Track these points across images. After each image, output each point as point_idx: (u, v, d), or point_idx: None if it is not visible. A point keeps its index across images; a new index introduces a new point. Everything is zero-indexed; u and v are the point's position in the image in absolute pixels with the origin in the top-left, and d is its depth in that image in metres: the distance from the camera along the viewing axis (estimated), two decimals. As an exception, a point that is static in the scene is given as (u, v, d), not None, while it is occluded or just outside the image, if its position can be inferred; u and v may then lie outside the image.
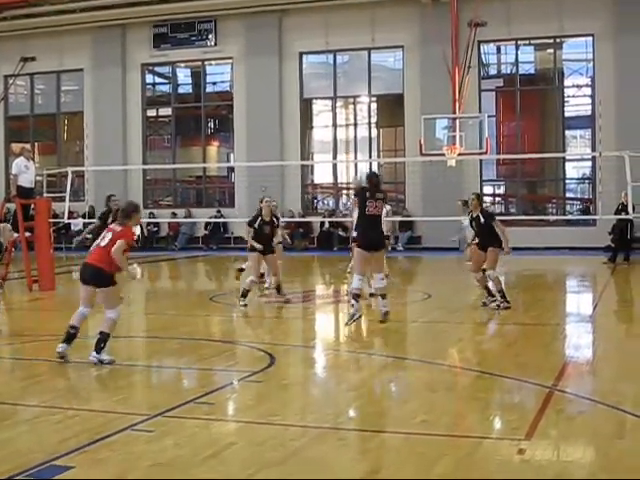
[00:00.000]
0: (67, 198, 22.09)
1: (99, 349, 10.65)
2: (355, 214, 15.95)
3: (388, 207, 20.22)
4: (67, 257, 28.26)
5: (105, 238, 10.78)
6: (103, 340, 10.70)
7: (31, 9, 35.18)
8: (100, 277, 10.77)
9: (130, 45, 36.47)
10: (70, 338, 10.84)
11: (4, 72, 38.44)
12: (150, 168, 36.89)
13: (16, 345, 12.83)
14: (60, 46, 36.98)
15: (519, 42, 32.51)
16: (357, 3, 32.40)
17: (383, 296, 13.39)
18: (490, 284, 15.56)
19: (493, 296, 15.40)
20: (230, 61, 35.64)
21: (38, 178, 21.28)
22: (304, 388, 9.80)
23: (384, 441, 7.35)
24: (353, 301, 13.25)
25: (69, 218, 23.90)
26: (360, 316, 13.35)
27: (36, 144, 38.66)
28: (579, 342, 12.75)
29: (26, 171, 20.12)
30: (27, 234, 20.26)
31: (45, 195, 21.93)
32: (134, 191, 35.43)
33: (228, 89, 36.71)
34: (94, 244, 11.28)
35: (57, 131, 39.22)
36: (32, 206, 20.65)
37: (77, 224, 33.78)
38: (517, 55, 32.88)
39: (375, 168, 34.62)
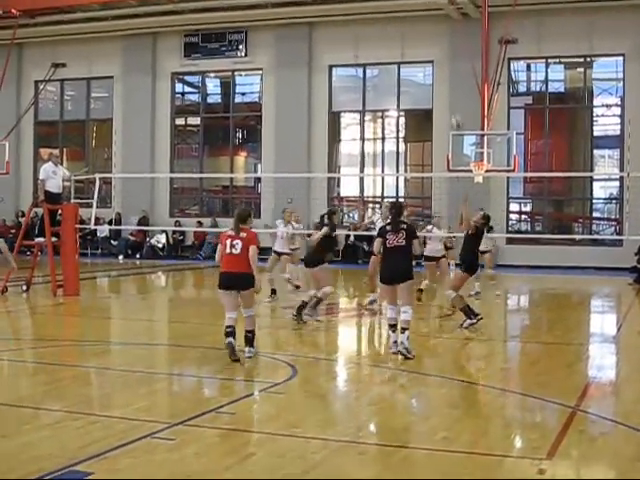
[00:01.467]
0: (94, 204, 22.17)
1: (252, 344, 11.80)
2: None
3: (429, 227, 20.29)
4: (92, 263, 28.35)
5: (236, 246, 11.65)
6: (253, 335, 11.83)
7: (62, 16, 35.35)
8: (247, 281, 11.71)
9: (160, 54, 36.62)
10: (231, 334, 11.68)
11: (35, 77, 38.65)
12: (177, 177, 37.03)
13: (39, 349, 12.89)
14: (91, 53, 37.18)
15: (549, 60, 32.42)
16: (387, 17, 32.40)
17: (403, 329, 12.14)
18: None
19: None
20: (260, 72, 35.71)
21: (66, 183, 21.34)
22: (326, 401, 9.79)
23: (405, 456, 7.32)
24: (390, 332, 12.52)
25: (95, 224, 23.98)
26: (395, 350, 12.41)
27: (65, 150, 38.83)
28: (602, 363, 12.68)
29: (54, 176, 20.23)
30: (53, 239, 20.35)
31: (72, 201, 22.01)
32: (161, 199, 35.56)
33: (257, 100, 36.78)
34: (222, 252, 11.84)
35: (86, 137, 39.40)
36: (59, 211, 20.74)
37: (103, 230, 33.95)
38: (547, 73, 32.77)
39: (402, 183, 34.74)
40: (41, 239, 20.72)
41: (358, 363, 12.31)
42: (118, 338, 14.81)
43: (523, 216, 35.13)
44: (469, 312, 15.04)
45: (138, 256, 35.06)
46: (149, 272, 30.24)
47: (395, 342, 12.22)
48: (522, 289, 25.45)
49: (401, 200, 31.79)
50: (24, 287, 20.14)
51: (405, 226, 12.73)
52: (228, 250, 11.70)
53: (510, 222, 33.05)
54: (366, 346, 13.70)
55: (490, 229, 15.73)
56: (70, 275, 19.83)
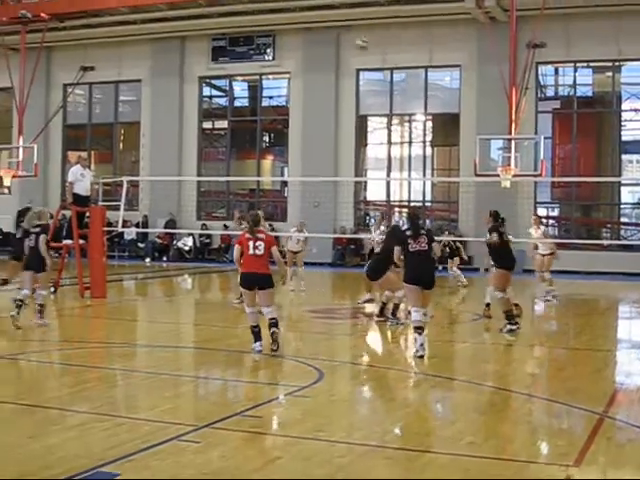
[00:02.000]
0: (122, 207, 22.25)
1: (277, 326, 12.37)
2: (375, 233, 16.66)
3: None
4: (119, 265, 28.45)
5: (259, 247, 12.27)
6: (277, 321, 12.46)
7: (91, 19, 35.55)
8: (270, 281, 12.39)
9: (188, 57, 36.73)
10: (258, 334, 12.47)
11: (64, 81, 38.88)
12: (204, 180, 37.13)
13: (66, 351, 12.95)
14: (119, 56, 37.39)
15: (577, 64, 32.32)
16: (415, 21, 32.38)
17: (420, 331, 12.38)
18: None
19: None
20: (287, 76, 35.78)
21: (94, 186, 21.45)
22: (351, 405, 9.77)
23: (430, 461, 7.29)
24: (416, 334, 12.49)
25: (123, 227, 24.05)
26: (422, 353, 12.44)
27: (92, 153, 39.01)
28: (630, 369, 12.59)
29: (82, 179, 20.33)
30: (81, 241, 20.43)
31: (100, 203, 22.11)
32: (188, 202, 35.63)
33: (284, 103, 36.85)
34: (245, 253, 12.46)
35: (114, 140, 39.58)
36: (87, 214, 20.84)
37: (130, 233, 34.07)
38: (575, 77, 32.67)
39: (428, 187, 34.67)
40: (69, 241, 20.82)
41: (384, 367, 12.27)
42: (144, 340, 14.85)
43: (550, 221, 34.97)
44: (511, 317, 15.02)
45: (165, 259, 35.19)
46: (175, 275, 30.32)
47: (422, 345, 12.26)
48: (549, 294, 25.31)
49: (417, 205, 31.75)
50: (52, 289, 20.22)
51: (424, 231, 13.01)
52: (252, 251, 12.26)
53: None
54: (392, 350, 13.67)
55: (502, 220, 15.70)
56: (97, 277, 19.91)
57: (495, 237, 15.21)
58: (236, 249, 12.81)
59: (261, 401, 9.60)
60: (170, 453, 7.22)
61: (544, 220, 33.63)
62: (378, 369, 12.17)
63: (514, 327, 14.88)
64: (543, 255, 20.78)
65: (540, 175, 27.19)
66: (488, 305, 17.06)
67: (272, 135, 39.75)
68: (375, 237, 18.25)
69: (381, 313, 16.27)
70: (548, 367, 12.99)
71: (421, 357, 12.20)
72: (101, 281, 20.04)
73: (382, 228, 18.34)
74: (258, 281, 12.33)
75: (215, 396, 10.12)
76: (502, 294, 15.13)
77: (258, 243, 12.25)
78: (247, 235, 12.43)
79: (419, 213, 13.54)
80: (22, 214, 19.07)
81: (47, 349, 13.16)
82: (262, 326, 12.32)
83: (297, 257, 23.05)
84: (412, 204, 34.72)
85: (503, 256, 15.36)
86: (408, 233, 12.87)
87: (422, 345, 12.31)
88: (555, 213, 34.96)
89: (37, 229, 15.30)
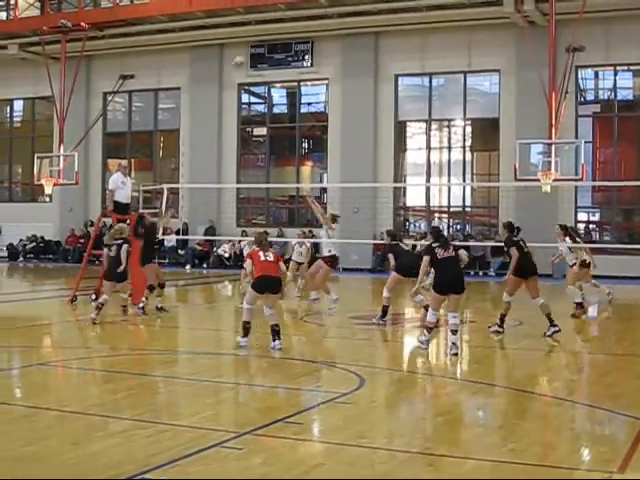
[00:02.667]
0: (162, 214, 22.35)
1: (279, 336, 13.32)
2: None
3: None
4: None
5: (269, 255, 13.51)
6: (279, 329, 13.44)
7: (130, 28, 35.82)
8: (280, 285, 13.64)
9: (227, 65, 36.87)
10: (248, 330, 13.62)
11: (103, 89, 39.19)
12: (244, 187, 37.22)
13: (107, 358, 13.02)
14: (158, 64, 37.62)
15: (617, 68, 32.10)
16: (454, 26, 32.34)
17: (454, 332, 13.20)
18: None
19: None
20: (326, 82, 35.81)
21: (134, 194, 21.57)
22: (393, 411, 9.76)
23: (473, 468, 7.26)
24: (425, 331, 13.55)
25: (163, 234, 24.16)
26: (427, 347, 13.53)
27: (132, 160, 39.25)
28: (674, 374, 12.48)
29: (123, 187, 20.42)
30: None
31: (141, 211, 22.22)
32: (227, 209, 35.75)
33: (323, 110, 36.88)
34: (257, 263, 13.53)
35: (153, 148, 39.81)
36: (127, 221, 20.94)
37: (171, 240, 34.23)
38: (615, 81, 32.45)
39: (468, 192, 34.56)
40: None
41: (425, 373, 12.27)
42: (186, 347, 14.92)
43: (591, 225, 34.74)
44: (552, 319, 15.32)
45: (205, 266, 35.29)
46: (215, 282, 30.41)
47: (454, 344, 13.11)
48: (590, 299, 25.15)
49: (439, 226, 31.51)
50: (93, 296, 20.35)
51: (449, 243, 13.91)
52: (263, 258, 13.41)
53: (578, 231, 32.64)
54: (433, 357, 13.64)
55: (518, 230, 15.98)
56: (138, 284, 19.98)
57: (514, 252, 15.35)
58: (247, 263, 14.02)
59: (303, 407, 9.63)
60: (213, 459, 7.25)
61: (584, 225, 33.52)
62: (419, 375, 12.17)
63: (500, 329, 15.57)
64: (571, 266, 19.67)
65: (581, 179, 26.99)
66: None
67: (311, 141, 39.76)
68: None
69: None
70: (590, 373, 12.90)
71: (455, 354, 12.97)
72: (142, 288, 20.10)
73: None
74: (272, 284, 13.41)
75: (257, 402, 10.13)
76: (510, 298, 15.64)
77: (268, 253, 13.50)
78: (257, 248, 13.67)
79: (441, 228, 14.38)
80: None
81: (90, 356, 13.25)
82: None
83: (301, 268, 22.96)
84: (451, 209, 34.68)
85: (522, 266, 15.40)
86: (435, 245, 13.57)
87: (454, 344, 13.09)
88: (596, 217, 34.72)
89: (119, 241, 17.14)
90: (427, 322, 13.56)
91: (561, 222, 21.52)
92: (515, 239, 15.65)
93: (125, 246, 16.99)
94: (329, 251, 19.59)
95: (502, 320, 15.67)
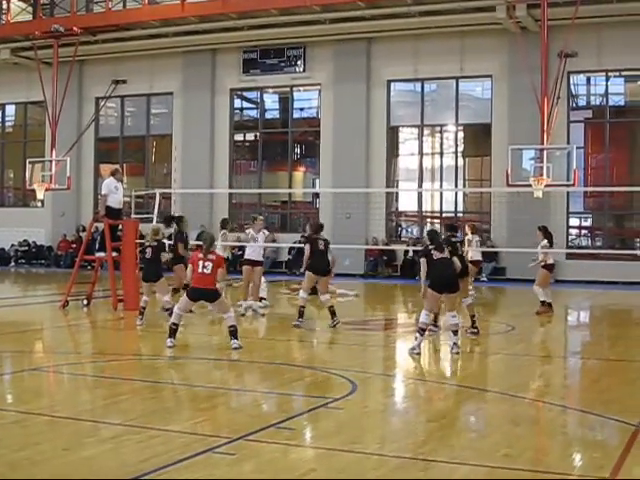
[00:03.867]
0: (154, 220, 22.36)
1: (236, 336, 13.89)
2: None
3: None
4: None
5: (207, 267, 13.82)
6: (236, 329, 14.03)
7: (123, 33, 35.79)
8: (214, 295, 14.20)
9: (219, 70, 36.88)
10: (175, 332, 14.27)
11: (96, 94, 39.15)
12: (236, 192, 37.21)
13: (99, 363, 12.99)
14: (151, 69, 37.62)
15: (609, 73, 32.15)
16: (446, 32, 32.39)
17: (455, 332, 13.71)
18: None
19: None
20: (318, 87, 35.83)
21: (126, 199, 21.54)
22: (385, 417, 9.74)
23: (466, 473, 7.23)
24: (417, 334, 13.66)
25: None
26: (419, 352, 13.64)
27: (125, 165, 39.18)
28: (666, 380, 12.49)
29: (115, 192, 20.42)
30: (114, 254, 20.51)
31: (133, 216, 22.20)
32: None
33: (315, 115, 36.91)
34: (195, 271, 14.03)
35: (146, 153, 39.78)
36: (120, 226, 20.93)
37: (162, 246, 34.11)
38: (607, 86, 32.51)
39: (460, 197, 34.60)
40: (102, 254, 20.92)
41: (417, 379, 12.26)
42: (178, 352, 14.88)
43: (583, 231, 34.80)
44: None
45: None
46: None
47: (455, 344, 13.66)
48: (582, 305, 25.21)
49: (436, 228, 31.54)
50: (85, 301, 20.35)
51: (446, 246, 14.19)
52: (200, 270, 13.80)
53: (570, 237, 32.75)
54: (425, 362, 13.63)
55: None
56: (130, 290, 19.97)
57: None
58: (189, 269, 14.48)
59: (295, 413, 9.61)
60: (205, 465, 7.23)
61: (576, 230, 33.55)
62: (411, 381, 12.15)
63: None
64: (542, 267, 20.19)
65: (573, 185, 27.04)
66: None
67: (303, 147, 39.79)
68: None
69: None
70: (582, 378, 12.92)
71: (457, 354, 13.54)
72: (134, 294, 20.08)
73: None
74: (207, 295, 14.07)
75: (249, 408, 10.10)
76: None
77: (207, 263, 13.83)
78: (199, 255, 13.99)
79: (437, 230, 14.59)
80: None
81: (81, 362, 13.22)
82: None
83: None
84: (443, 215, 34.71)
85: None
86: (431, 247, 13.94)
87: (456, 344, 13.63)
88: (588, 223, 34.77)
89: (154, 243, 17.67)
90: (420, 323, 13.66)
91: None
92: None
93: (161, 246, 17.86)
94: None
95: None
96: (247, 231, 20.26)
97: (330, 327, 16.78)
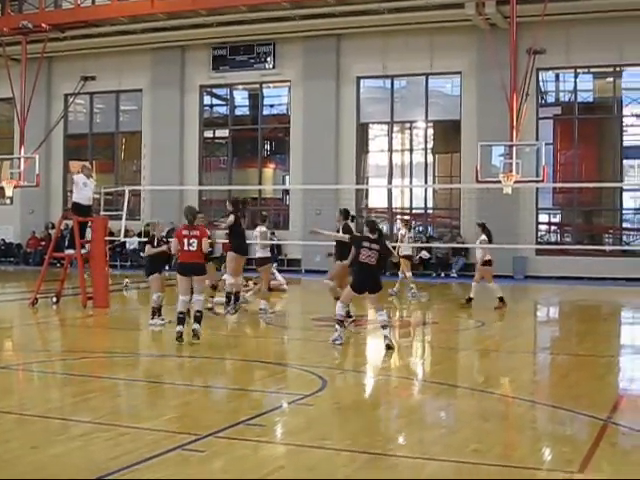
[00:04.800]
0: (124, 217, 22.28)
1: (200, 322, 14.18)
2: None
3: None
4: (121, 275, 28.41)
5: (192, 244, 14.13)
6: (201, 315, 14.33)
7: (91, 29, 35.62)
8: (203, 269, 14.60)
9: (189, 67, 36.78)
10: (183, 320, 14.40)
11: (64, 91, 38.91)
12: (206, 189, 37.11)
13: (68, 361, 12.92)
14: (120, 66, 37.42)
15: (578, 70, 32.32)
16: (415, 29, 32.44)
17: (384, 327, 13.85)
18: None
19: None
20: (288, 84, 35.81)
21: (95, 196, 21.43)
22: (355, 413, 9.74)
23: (435, 469, 7.28)
24: (337, 326, 14.10)
25: (125, 236, 24.06)
26: (341, 342, 14.06)
27: (94, 162, 38.99)
28: (634, 375, 12.58)
29: (84, 188, 20.27)
30: (83, 251, 20.41)
31: (102, 213, 22.10)
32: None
33: (285, 112, 36.88)
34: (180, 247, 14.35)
35: (115, 150, 39.60)
36: (89, 223, 20.83)
37: (132, 242, 34.05)
38: (576, 83, 32.66)
39: (430, 194, 34.66)
40: (71, 251, 20.80)
41: (387, 375, 12.28)
42: (148, 350, 14.85)
43: (552, 227, 34.95)
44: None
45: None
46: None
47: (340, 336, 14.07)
48: (551, 300, 25.33)
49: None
50: (54, 299, 20.23)
51: (377, 247, 13.98)
52: (186, 247, 14.08)
53: (539, 233, 32.88)
54: (395, 358, 13.65)
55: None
56: (100, 287, 19.90)
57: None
58: (173, 243, 14.59)
59: (265, 410, 9.59)
60: (174, 462, 7.22)
61: (545, 226, 33.71)
62: (381, 377, 12.17)
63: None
64: (482, 264, 20.73)
65: (542, 181, 27.15)
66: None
67: (273, 143, 39.76)
68: None
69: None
70: (551, 373, 12.99)
71: (390, 347, 13.59)
72: (104, 291, 20.03)
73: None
74: (194, 269, 14.18)
75: (219, 405, 10.10)
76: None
77: (192, 240, 14.09)
78: (183, 232, 14.26)
79: (377, 226, 14.56)
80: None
81: (51, 359, 13.15)
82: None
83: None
84: (413, 211, 34.80)
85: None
86: (363, 243, 14.03)
87: (386, 336, 13.75)
88: (557, 219, 34.91)
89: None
90: (337, 315, 14.16)
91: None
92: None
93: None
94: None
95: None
96: (261, 229, 20.41)
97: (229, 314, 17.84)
